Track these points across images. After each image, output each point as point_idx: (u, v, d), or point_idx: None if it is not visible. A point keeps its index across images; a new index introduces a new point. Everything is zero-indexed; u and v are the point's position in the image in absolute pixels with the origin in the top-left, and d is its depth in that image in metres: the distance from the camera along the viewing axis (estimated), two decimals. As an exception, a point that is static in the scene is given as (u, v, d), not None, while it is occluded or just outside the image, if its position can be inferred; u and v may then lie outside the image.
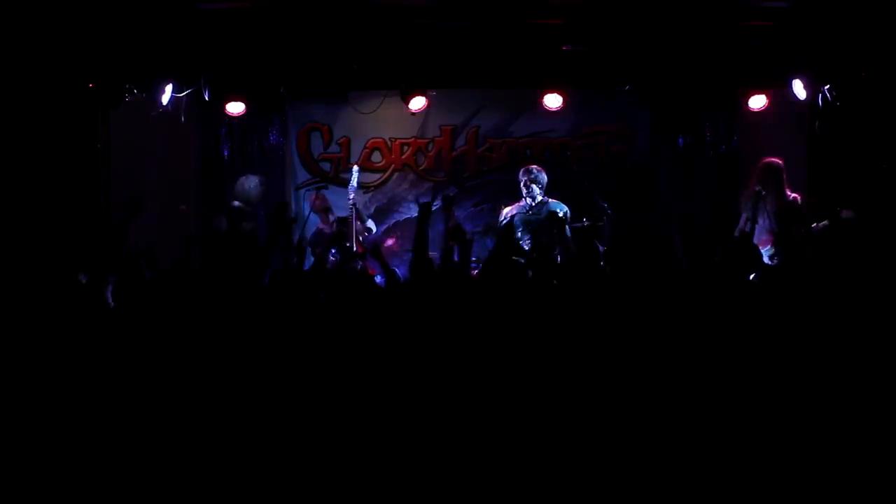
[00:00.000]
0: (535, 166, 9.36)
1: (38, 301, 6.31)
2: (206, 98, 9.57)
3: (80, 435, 4.73)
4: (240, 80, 9.63)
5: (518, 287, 5.66)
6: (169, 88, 9.41)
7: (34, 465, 4.60)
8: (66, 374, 5.10)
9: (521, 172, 9.32)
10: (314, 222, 9.89)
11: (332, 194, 10.12)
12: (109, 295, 6.45)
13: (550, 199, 9.25)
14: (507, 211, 9.30)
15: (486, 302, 5.34)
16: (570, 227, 8.96)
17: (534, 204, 9.20)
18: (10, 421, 4.81)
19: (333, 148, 10.88)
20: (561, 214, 9.04)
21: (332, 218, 9.81)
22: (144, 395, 4.91)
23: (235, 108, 9.95)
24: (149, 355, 5.09)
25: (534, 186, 9.19)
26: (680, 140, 10.69)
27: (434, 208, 9.54)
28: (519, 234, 9.07)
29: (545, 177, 9.26)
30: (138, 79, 9.28)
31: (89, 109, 9.25)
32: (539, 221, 9.11)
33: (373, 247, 7.78)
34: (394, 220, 10.70)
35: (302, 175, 10.86)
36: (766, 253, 8.38)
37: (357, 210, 9.56)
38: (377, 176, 10.86)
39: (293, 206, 10.65)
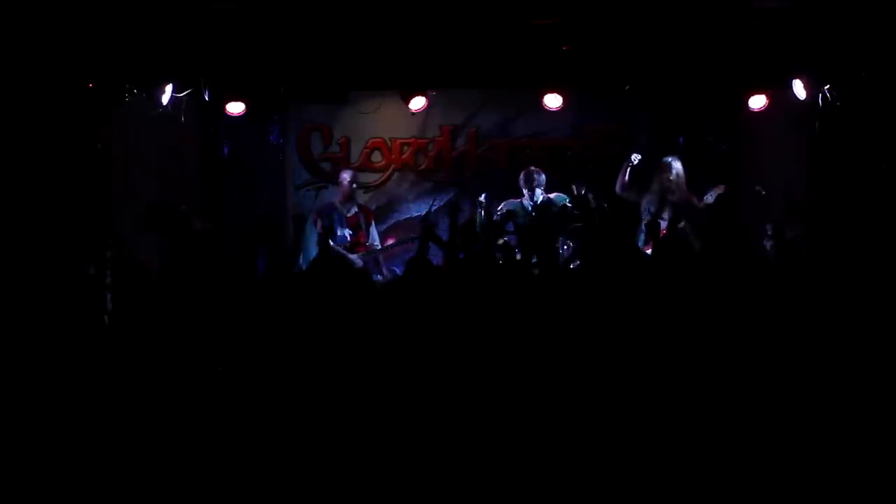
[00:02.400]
0: (533, 168, 9.41)
1: (38, 301, 6.31)
2: (206, 98, 9.57)
3: (80, 435, 4.73)
4: (240, 80, 9.63)
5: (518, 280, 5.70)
6: (169, 88, 9.41)
7: (34, 465, 4.60)
8: (66, 374, 5.10)
9: (521, 175, 9.38)
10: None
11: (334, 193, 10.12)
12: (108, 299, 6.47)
13: (552, 195, 9.31)
14: (503, 204, 9.33)
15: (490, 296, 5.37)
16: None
17: (535, 204, 9.25)
18: (11, 421, 4.81)
19: (333, 148, 10.89)
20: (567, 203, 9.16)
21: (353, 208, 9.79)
22: (144, 396, 4.92)
23: (235, 108, 9.95)
24: (147, 356, 5.10)
25: (536, 190, 9.26)
26: (680, 140, 10.68)
27: (434, 209, 9.80)
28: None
29: (544, 178, 9.32)
30: (139, 79, 9.29)
31: (90, 109, 9.24)
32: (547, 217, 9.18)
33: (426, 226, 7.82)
34: (394, 220, 10.69)
35: (302, 175, 10.86)
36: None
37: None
38: (377, 176, 10.87)
39: (293, 205, 10.67)
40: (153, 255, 9.20)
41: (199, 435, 4.70)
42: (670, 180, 9.24)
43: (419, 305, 5.33)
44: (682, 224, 8.79)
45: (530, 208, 9.27)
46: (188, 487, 4.51)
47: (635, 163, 9.29)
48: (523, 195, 9.36)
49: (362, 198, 10.58)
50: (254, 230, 9.16)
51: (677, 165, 9.30)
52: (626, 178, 9.34)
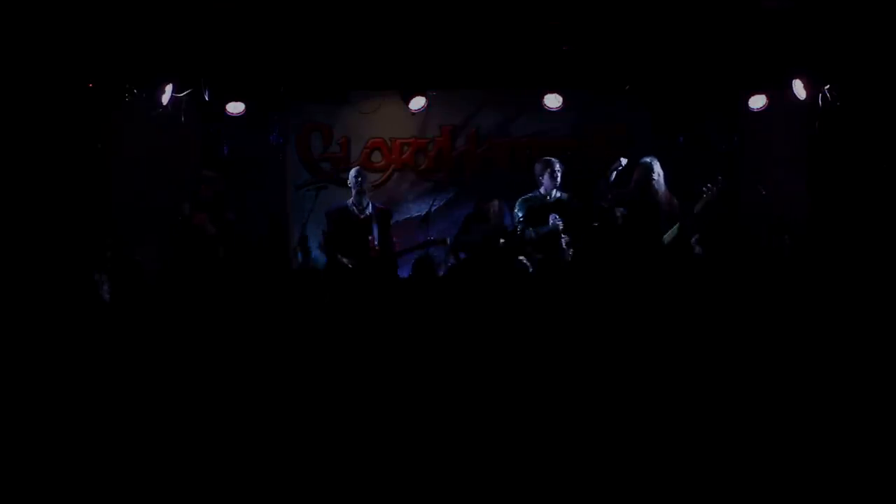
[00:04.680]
0: (554, 158, 9.39)
1: (38, 300, 6.31)
2: (206, 98, 9.58)
3: (80, 434, 4.73)
4: (240, 80, 9.64)
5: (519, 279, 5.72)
6: (169, 88, 9.42)
7: (34, 464, 4.60)
8: (66, 373, 5.10)
9: (540, 163, 9.35)
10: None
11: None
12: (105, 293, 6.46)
13: (565, 193, 9.33)
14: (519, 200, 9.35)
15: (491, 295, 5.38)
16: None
17: (551, 196, 9.26)
18: (11, 419, 4.82)
19: (333, 148, 10.89)
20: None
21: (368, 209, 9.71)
22: (143, 394, 4.92)
23: (235, 108, 9.95)
24: (147, 354, 5.10)
25: (558, 177, 9.25)
26: (680, 140, 10.68)
27: (434, 209, 9.82)
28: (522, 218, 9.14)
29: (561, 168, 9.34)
30: (139, 79, 9.29)
31: (90, 109, 9.25)
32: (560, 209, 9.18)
33: None
34: (394, 220, 10.68)
35: (302, 175, 10.86)
36: None
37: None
38: (377, 176, 10.87)
39: (293, 205, 10.67)
40: (152, 255, 9.20)
41: (194, 433, 4.71)
42: (654, 181, 9.15)
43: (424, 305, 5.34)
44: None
45: (550, 198, 9.26)
46: (187, 485, 4.51)
47: (623, 166, 9.19)
48: (541, 184, 9.32)
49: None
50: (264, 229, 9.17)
51: (657, 166, 9.22)
52: (612, 181, 9.18)
